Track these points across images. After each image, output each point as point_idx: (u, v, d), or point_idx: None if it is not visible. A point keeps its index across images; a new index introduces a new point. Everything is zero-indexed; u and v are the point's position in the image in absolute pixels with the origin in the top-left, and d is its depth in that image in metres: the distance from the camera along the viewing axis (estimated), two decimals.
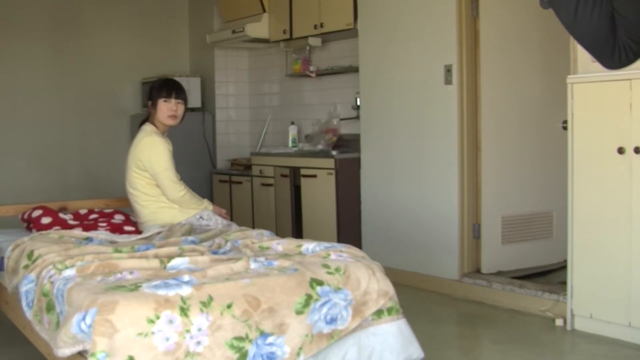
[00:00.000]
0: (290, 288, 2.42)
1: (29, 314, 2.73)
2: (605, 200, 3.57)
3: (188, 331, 2.23)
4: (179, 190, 3.68)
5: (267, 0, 6.02)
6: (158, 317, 2.20)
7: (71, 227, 3.66)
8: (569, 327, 3.78)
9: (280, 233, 5.20)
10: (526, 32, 4.69)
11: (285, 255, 2.81)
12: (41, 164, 6.37)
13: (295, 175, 5.52)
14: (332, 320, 2.47)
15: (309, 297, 2.44)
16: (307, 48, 6.03)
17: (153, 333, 2.19)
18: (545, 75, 4.73)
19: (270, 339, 2.34)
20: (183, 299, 2.26)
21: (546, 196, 4.79)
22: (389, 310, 2.61)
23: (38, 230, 3.57)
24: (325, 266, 2.58)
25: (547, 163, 4.74)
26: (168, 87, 3.77)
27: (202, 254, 2.82)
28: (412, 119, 4.82)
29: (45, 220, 3.72)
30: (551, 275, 4.68)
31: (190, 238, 3.13)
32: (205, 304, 2.27)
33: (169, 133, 3.88)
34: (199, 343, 2.24)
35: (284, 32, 5.87)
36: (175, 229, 3.39)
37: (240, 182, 6.15)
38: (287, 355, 2.36)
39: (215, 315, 2.27)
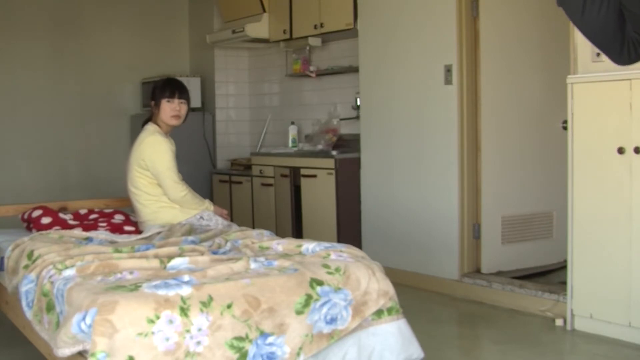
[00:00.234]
0: (290, 288, 2.42)
1: (29, 314, 2.73)
2: (605, 200, 3.57)
3: (188, 331, 2.23)
4: (180, 190, 3.68)
5: (267, 0, 6.02)
6: (158, 317, 2.20)
7: (71, 227, 3.66)
8: (569, 327, 3.78)
9: (280, 233, 5.20)
10: (526, 32, 4.69)
11: (285, 255, 2.82)
12: (41, 164, 6.37)
13: (295, 175, 5.52)
14: (332, 320, 2.47)
15: (309, 297, 2.44)
16: (307, 48, 6.03)
17: (153, 333, 2.19)
18: (545, 75, 4.73)
19: (270, 339, 2.34)
20: (183, 299, 2.26)
21: (546, 196, 4.79)
22: (389, 310, 2.61)
23: (38, 230, 3.57)
24: (325, 266, 2.58)
25: (547, 163, 4.74)
26: (171, 87, 3.77)
27: (202, 254, 2.82)
28: (412, 119, 4.82)
29: (45, 220, 3.72)
30: (551, 275, 4.68)
31: (190, 238, 3.13)
32: (205, 304, 2.27)
33: (171, 133, 3.88)
34: (199, 343, 2.24)
35: (284, 32, 5.87)
36: (175, 229, 3.39)
37: (240, 182, 6.15)
38: (287, 355, 2.36)
39: (215, 315, 2.27)
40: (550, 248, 4.80)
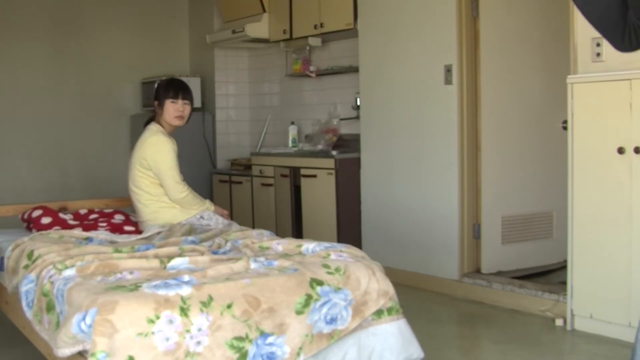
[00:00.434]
0: (290, 288, 2.42)
1: (29, 314, 2.73)
2: (605, 200, 3.57)
3: (188, 331, 2.23)
4: (181, 190, 3.68)
5: (267, 0, 6.02)
6: (158, 317, 2.20)
7: (71, 227, 3.66)
8: (569, 327, 3.78)
9: (280, 233, 5.20)
10: (526, 32, 4.69)
11: (285, 255, 2.82)
12: (41, 164, 6.37)
13: (295, 175, 5.52)
14: (332, 320, 2.47)
15: (309, 297, 2.44)
16: (307, 48, 6.03)
17: (153, 333, 2.19)
18: (545, 75, 4.73)
19: (270, 339, 2.34)
20: (183, 299, 2.26)
21: (546, 196, 4.79)
22: (389, 310, 2.61)
23: (38, 230, 3.57)
24: (325, 266, 2.58)
25: (547, 163, 4.74)
26: (175, 88, 3.78)
27: (202, 254, 2.82)
28: (412, 119, 4.82)
29: (45, 220, 3.72)
30: (551, 275, 4.68)
31: (190, 238, 3.13)
32: (205, 304, 2.27)
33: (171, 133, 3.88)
34: (199, 343, 2.24)
35: (284, 32, 5.87)
36: (175, 229, 3.39)
37: (240, 182, 6.15)
38: (287, 355, 2.36)
39: (215, 315, 2.27)
40: (550, 248, 4.80)
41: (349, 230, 5.19)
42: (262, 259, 2.68)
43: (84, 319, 2.21)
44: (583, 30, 3.65)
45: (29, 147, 6.32)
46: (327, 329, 2.46)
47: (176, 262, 2.67)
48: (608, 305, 3.58)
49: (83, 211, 3.96)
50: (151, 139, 3.70)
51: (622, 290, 3.50)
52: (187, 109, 3.80)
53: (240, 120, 6.94)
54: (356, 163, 5.23)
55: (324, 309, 2.46)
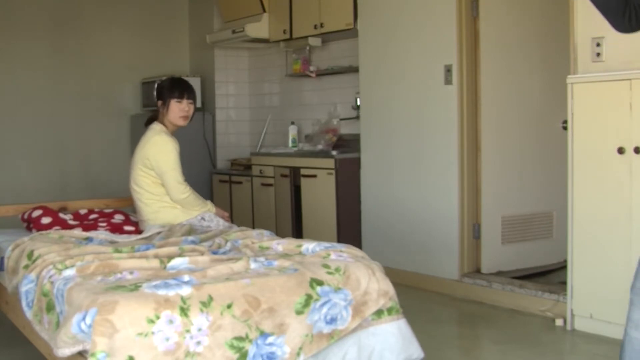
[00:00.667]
0: (290, 288, 2.42)
1: (29, 314, 2.73)
2: (605, 200, 3.57)
3: (188, 331, 2.23)
4: (182, 191, 3.68)
5: (267, 0, 6.02)
6: (158, 317, 2.20)
7: (71, 227, 3.66)
8: (569, 327, 3.78)
9: (280, 233, 5.20)
10: (526, 32, 4.69)
11: (285, 255, 2.82)
12: (41, 164, 6.37)
13: (295, 175, 5.52)
14: (332, 320, 2.47)
15: (309, 297, 2.44)
16: (307, 48, 6.03)
17: (153, 333, 2.19)
18: (545, 75, 4.73)
19: (270, 339, 2.34)
20: (183, 299, 2.26)
21: (546, 196, 4.79)
22: (389, 310, 2.61)
23: (38, 230, 3.57)
24: (325, 266, 2.58)
25: (547, 163, 4.75)
26: (180, 88, 3.78)
27: (202, 254, 2.82)
28: (412, 119, 4.82)
29: (45, 220, 3.72)
30: (551, 275, 4.68)
31: (190, 238, 3.13)
32: (205, 304, 2.27)
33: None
34: (199, 343, 2.24)
35: (284, 32, 5.87)
36: (175, 229, 3.39)
37: (240, 182, 6.15)
38: (287, 355, 2.36)
39: (215, 315, 2.27)
40: (550, 248, 4.80)
41: (349, 230, 5.19)
42: (262, 259, 2.68)
43: (84, 319, 2.21)
44: (583, 30, 3.65)
45: (29, 147, 6.32)
46: (327, 329, 2.46)
47: (176, 262, 2.67)
48: (608, 305, 3.58)
49: (83, 211, 3.96)
50: (154, 139, 3.70)
51: (622, 290, 3.49)
52: (192, 108, 3.81)
53: (240, 120, 6.94)
54: (356, 163, 5.23)
55: (324, 309, 2.46)
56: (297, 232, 5.49)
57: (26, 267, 2.91)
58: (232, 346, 2.28)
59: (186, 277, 2.41)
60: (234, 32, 6.17)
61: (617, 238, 3.52)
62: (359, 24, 5.17)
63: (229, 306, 2.30)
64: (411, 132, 4.82)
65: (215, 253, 2.88)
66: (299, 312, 2.40)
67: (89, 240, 3.28)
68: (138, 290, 2.29)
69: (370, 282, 2.59)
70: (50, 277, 2.63)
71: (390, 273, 2.96)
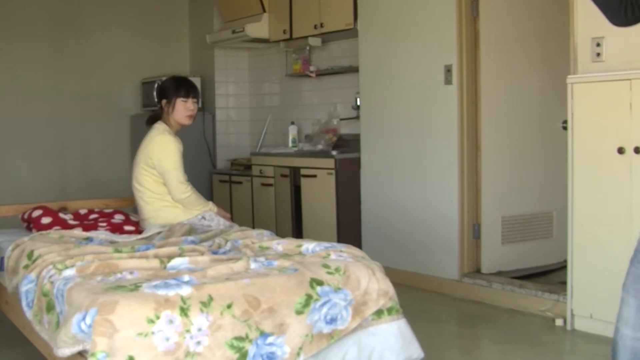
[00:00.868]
0: (290, 288, 2.42)
1: (29, 314, 2.73)
2: (605, 200, 3.57)
3: (188, 331, 2.23)
4: (184, 191, 3.69)
5: (267, 0, 6.02)
6: (158, 317, 2.20)
7: (71, 227, 3.66)
8: (569, 327, 3.78)
9: (280, 233, 5.19)
10: (526, 32, 4.69)
11: (285, 255, 2.82)
12: (41, 164, 6.37)
13: (295, 175, 5.52)
14: (332, 320, 2.47)
15: (309, 297, 2.44)
16: (307, 48, 6.03)
17: (153, 333, 2.19)
18: (545, 75, 4.73)
19: (270, 339, 2.34)
20: (183, 299, 2.26)
21: (546, 196, 4.79)
22: (389, 310, 2.61)
23: (38, 230, 3.57)
24: (325, 266, 2.58)
25: (547, 163, 4.74)
26: (186, 87, 3.79)
27: (202, 254, 2.82)
28: (412, 119, 4.82)
29: (45, 220, 3.72)
30: (551, 275, 4.68)
31: (190, 238, 3.14)
32: (205, 304, 2.27)
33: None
34: (199, 343, 2.24)
35: (284, 32, 5.87)
36: (175, 229, 3.39)
37: (240, 182, 6.15)
38: (287, 355, 2.36)
39: (215, 315, 2.27)
40: (550, 248, 4.80)
41: (349, 230, 5.19)
42: (262, 259, 2.68)
43: (84, 319, 2.21)
44: (583, 30, 3.65)
45: (29, 147, 6.32)
46: (327, 329, 2.46)
47: (176, 262, 2.67)
48: (608, 305, 3.58)
49: (83, 211, 3.96)
50: (158, 138, 3.71)
51: None
52: (196, 107, 3.84)
53: (240, 120, 6.94)
54: (356, 163, 5.23)
55: (324, 309, 2.46)
56: (297, 232, 5.49)
57: (26, 267, 2.91)
58: (232, 346, 2.28)
59: (186, 277, 2.41)
60: (234, 32, 6.17)
61: (617, 238, 3.52)
62: (359, 24, 5.17)
63: (229, 306, 2.30)
64: (411, 132, 4.82)
65: (215, 253, 2.88)
66: (299, 312, 2.40)
67: (89, 240, 3.28)
68: (138, 290, 2.29)
69: (370, 282, 2.59)
70: (50, 277, 2.63)
71: (390, 273, 2.96)
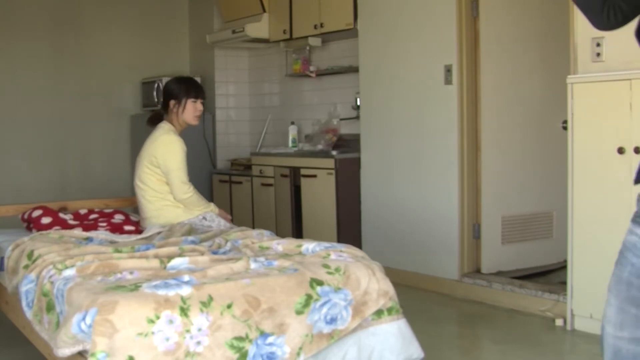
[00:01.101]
0: (290, 288, 2.42)
1: (29, 314, 2.73)
2: (605, 200, 3.57)
3: (188, 331, 2.23)
4: (185, 191, 3.70)
5: (267, 0, 6.02)
6: (158, 317, 2.20)
7: (71, 227, 3.66)
8: (569, 327, 3.78)
9: (280, 233, 5.19)
10: (526, 32, 4.69)
11: (285, 255, 2.82)
12: (41, 164, 6.37)
13: (295, 175, 5.52)
14: (332, 320, 2.47)
15: (309, 297, 2.44)
16: (307, 48, 6.03)
17: (153, 333, 2.19)
18: (545, 75, 4.72)
19: (270, 339, 2.34)
20: (183, 299, 2.26)
21: (546, 196, 4.79)
22: (389, 310, 2.61)
23: (38, 230, 3.57)
24: (325, 266, 2.58)
25: (547, 163, 4.74)
26: (196, 88, 3.85)
27: (202, 254, 2.82)
28: (412, 119, 4.82)
29: (45, 220, 3.72)
30: (551, 275, 4.68)
31: (190, 238, 3.14)
32: (205, 304, 2.27)
33: None
34: (199, 343, 2.24)
35: (284, 32, 5.87)
36: (175, 229, 3.39)
37: (240, 182, 6.15)
38: (287, 355, 2.36)
39: (215, 315, 2.27)
40: (550, 248, 4.80)
41: (349, 230, 5.19)
42: (262, 259, 2.68)
43: (84, 319, 2.21)
44: (583, 30, 3.65)
45: (29, 147, 6.32)
46: (327, 329, 2.46)
47: (176, 262, 2.67)
48: None
49: (83, 211, 3.96)
50: (163, 138, 3.72)
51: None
52: (202, 108, 3.87)
53: (240, 120, 6.94)
54: (356, 163, 5.23)
55: (324, 309, 2.46)
56: (297, 232, 5.49)
57: (26, 267, 2.91)
58: (232, 346, 2.28)
59: (186, 277, 2.41)
60: (234, 32, 6.17)
61: (617, 238, 3.49)
62: (359, 24, 5.17)
63: (229, 306, 2.30)
64: (411, 132, 4.82)
65: (215, 253, 2.88)
66: (299, 312, 2.40)
67: (89, 240, 3.29)
68: (138, 290, 2.29)
69: (370, 282, 2.59)
70: (50, 277, 2.63)
71: (390, 273, 2.96)
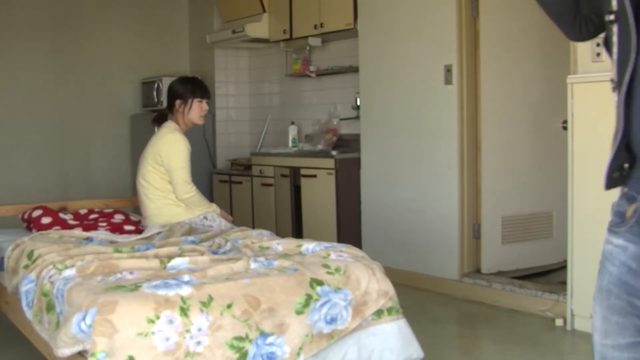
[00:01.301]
0: (290, 288, 2.42)
1: (29, 314, 2.73)
2: (605, 200, 3.55)
3: (188, 331, 2.23)
4: (187, 191, 3.71)
5: (267, 0, 6.02)
6: (158, 317, 2.20)
7: (71, 227, 3.66)
8: (569, 327, 3.78)
9: (280, 233, 5.19)
10: (526, 32, 4.69)
11: (285, 255, 2.82)
12: (41, 164, 6.37)
13: (295, 175, 5.52)
14: (332, 320, 2.47)
15: (309, 297, 2.44)
16: (307, 48, 6.03)
17: (153, 333, 2.19)
18: (545, 75, 4.72)
19: (270, 339, 2.34)
20: (183, 299, 2.26)
21: (546, 196, 4.79)
22: (389, 310, 2.61)
23: (38, 230, 3.57)
24: (325, 266, 2.58)
25: (547, 163, 4.74)
26: (202, 88, 3.89)
27: (202, 254, 2.82)
28: (412, 119, 4.82)
29: (45, 220, 3.72)
30: (551, 275, 4.68)
31: (190, 238, 3.14)
32: (205, 304, 2.27)
33: None
34: (199, 343, 2.24)
35: (284, 32, 5.87)
36: (175, 229, 3.40)
37: (240, 182, 6.15)
38: (287, 355, 2.36)
39: (215, 315, 2.27)
40: (550, 248, 4.80)
41: (349, 230, 5.19)
42: (262, 259, 2.68)
43: (84, 319, 2.21)
44: None
45: (29, 147, 6.32)
46: (327, 329, 2.46)
47: (176, 262, 2.67)
48: None
49: (83, 211, 3.96)
50: (168, 137, 3.74)
51: None
52: (207, 108, 3.92)
53: (240, 120, 6.94)
54: (356, 163, 5.23)
55: (324, 309, 2.46)
56: (297, 232, 5.49)
57: (26, 267, 2.91)
58: (232, 346, 2.28)
59: (186, 277, 2.41)
60: (234, 32, 6.17)
61: None
62: (359, 24, 5.17)
63: (229, 306, 2.30)
64: (411, 132, 4.82)
65: (215, 253, 2.88)
66: (299, 312, 2.40)
67: (89, 240, 3.29)
68: (138, 290, 2.29)
69: (370, 282, 2.59)
70: (50, 277, 2.63)
71: (390, 273, 2.96)
